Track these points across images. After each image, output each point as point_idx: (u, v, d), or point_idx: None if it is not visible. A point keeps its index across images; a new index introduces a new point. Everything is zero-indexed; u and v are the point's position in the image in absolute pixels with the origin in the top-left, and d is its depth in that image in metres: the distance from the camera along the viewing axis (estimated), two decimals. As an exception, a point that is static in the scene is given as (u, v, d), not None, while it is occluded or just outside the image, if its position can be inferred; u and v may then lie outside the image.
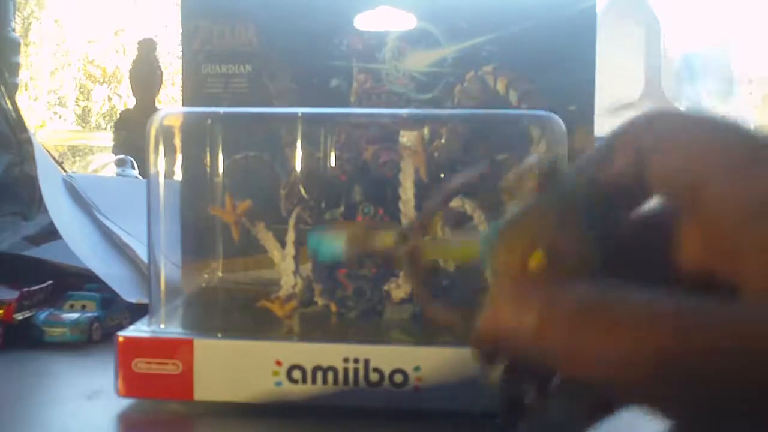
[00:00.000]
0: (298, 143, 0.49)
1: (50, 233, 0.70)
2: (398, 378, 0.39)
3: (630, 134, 0.22)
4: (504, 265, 0.21)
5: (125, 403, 0.42)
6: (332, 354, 0.40)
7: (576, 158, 0.23)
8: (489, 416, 0.23)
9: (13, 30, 1.21)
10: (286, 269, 0.46)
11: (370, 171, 0.48)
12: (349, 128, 0.50)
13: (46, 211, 0.69)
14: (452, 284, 0.47)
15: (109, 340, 0.42)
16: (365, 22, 0.54)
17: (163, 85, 1.54)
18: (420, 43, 0.53)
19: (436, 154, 0.46)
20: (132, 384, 0.41)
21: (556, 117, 0.44)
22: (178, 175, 0.47)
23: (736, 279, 0.20)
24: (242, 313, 0.48)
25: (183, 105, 0.56)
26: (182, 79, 0.56)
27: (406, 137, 0.47)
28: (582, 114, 0.52)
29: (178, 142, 0.47)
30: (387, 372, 0.39)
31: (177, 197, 0.49)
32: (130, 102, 1.57)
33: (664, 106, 0.86)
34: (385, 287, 0.46)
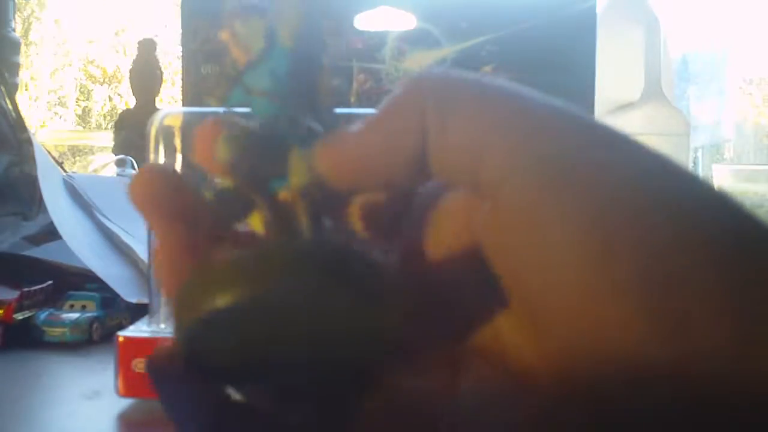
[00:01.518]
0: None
1: (50, 233, 0.69)
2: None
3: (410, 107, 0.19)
4: None
5: (125, 403, 0.42)
6: (332, 354, 0.40)
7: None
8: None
9: (13, 30, 1.21)
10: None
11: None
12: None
13: (46, 211, 0.68)
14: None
15: (109, 340, 0.42)
16: (365, 22, 0.54)
17: (163, 85, 1.53)
18: (420, 43, 0.53)
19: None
20: (132, 384, 0.41)
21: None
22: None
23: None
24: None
25: (183, 105, 0.56)
26: (182, 79, 0.56)
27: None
28: (582, 114, 0.52)
29: (178, 142, 0.47)
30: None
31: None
32: (131, 102, 1.57)
33: (666, 107, 0.86)
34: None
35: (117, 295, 0.58)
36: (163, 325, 0.44)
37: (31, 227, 0.76)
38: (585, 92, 0.52)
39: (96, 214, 0.69)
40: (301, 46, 0.20)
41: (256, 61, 0.20)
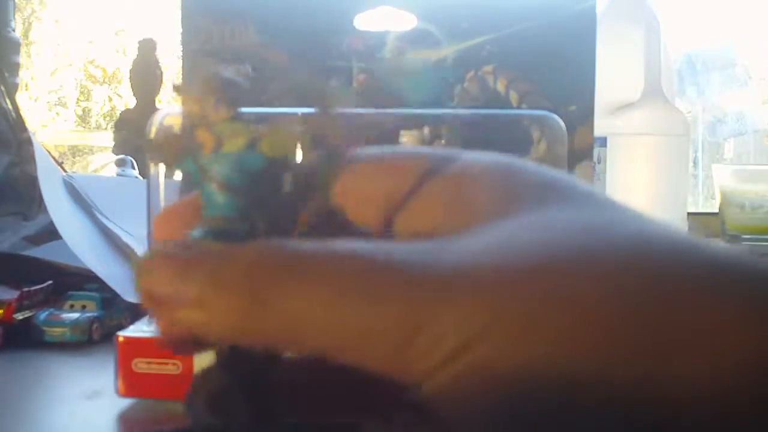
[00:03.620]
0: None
1: (50, 233, 0.69)
2: (398, 378, 0.39)
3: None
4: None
5: (125, 403, 0.42)
6: (332, 354, 0.40)
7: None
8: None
9: (13, 30, 1.21)
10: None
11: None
12: (349, 128, 0.50)
13: (46, 211, 0.68)
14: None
15: (109, 340, 0.42)
16: (365, 22, 0.54)
17: (163, 85, 1.53)
18: (420, 43, 0.53)
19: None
20: (132, 384, 0.41)
21: (556, 117, 0.44)
22: (178, 175, 0.47)
23: None
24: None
25: (183, 105, 0.56)
26: (182, 79, 0.56)
27: (406, 137, 0.47)
28: (582, 114, 0.52)
29: (178, 142, 0.47)
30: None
31: (177, 197, 0.49)
32: (131, 102, 1.57)
33: (666, 107, 0.86)
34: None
35: (117, 295, 0.58)
36: (163, 325, 0.44)
37: (31, 227, 0.76)
38: (585, 92, 0.52)
39: (96, 214, 0.69)
40: (277, 166, 0.19)
41: (225, 154, 0.19)
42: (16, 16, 1.26)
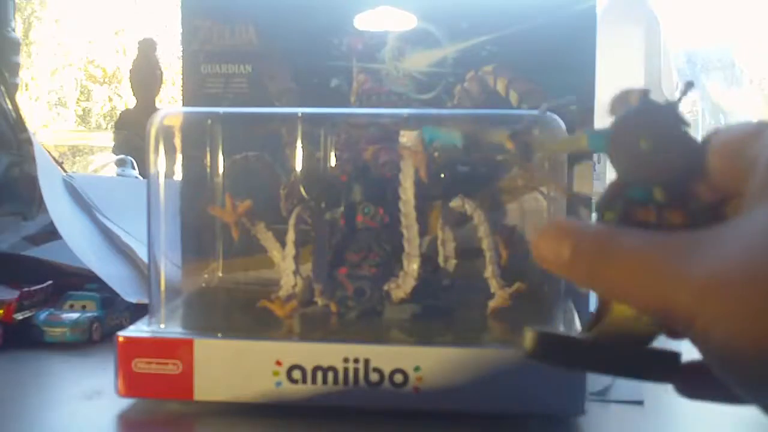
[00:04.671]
0: (298, 143, 0.49)
1: (50, 233, 0.70)
2: (398, 378, 0.39)
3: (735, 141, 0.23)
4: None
5: (125, 403, 0.42)
6: (332, 354, 0.40)
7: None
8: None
9: (13, 30, 1.21)
10: (286, 269, 0.46)
11: (370, 171, 0.48)
12: (349, 128, 0.50)
13: (46, 211, 0.68)
14: (451, 285, 0.47)
15: (109, 340, 0.42)
16: (365, 22, 0.54)
17: (163, 85, 1.54)
18: (420, 43, 0.53)
19: (436, 154, 0.46)
20: (132, 384, 0.41)
21: (556, 117, 0.44)
22: (178, 175, 0.47)
23: None
24: (242, 313, 0.48)
25: (183, 105, 0.56)
26: (182, 79, 0.56)
27: (406, 137, 0.47)
28: (582, 114, 0.52)
29: (178, 142, 0.47)
30: (387, 372, 0.39)
31: (177, 197, 0.49)
32: (131, 102, 1.57)
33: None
34: (385, 287, 0.46)
35: (117, 295, 0.58)
36: (162, 325, 0.44)
37: (31, 227, 0.76)
38: (585, 92, 0.52)
39: (96, 214, 0.69)
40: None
41: None
42: (16, 16, 1.27)
